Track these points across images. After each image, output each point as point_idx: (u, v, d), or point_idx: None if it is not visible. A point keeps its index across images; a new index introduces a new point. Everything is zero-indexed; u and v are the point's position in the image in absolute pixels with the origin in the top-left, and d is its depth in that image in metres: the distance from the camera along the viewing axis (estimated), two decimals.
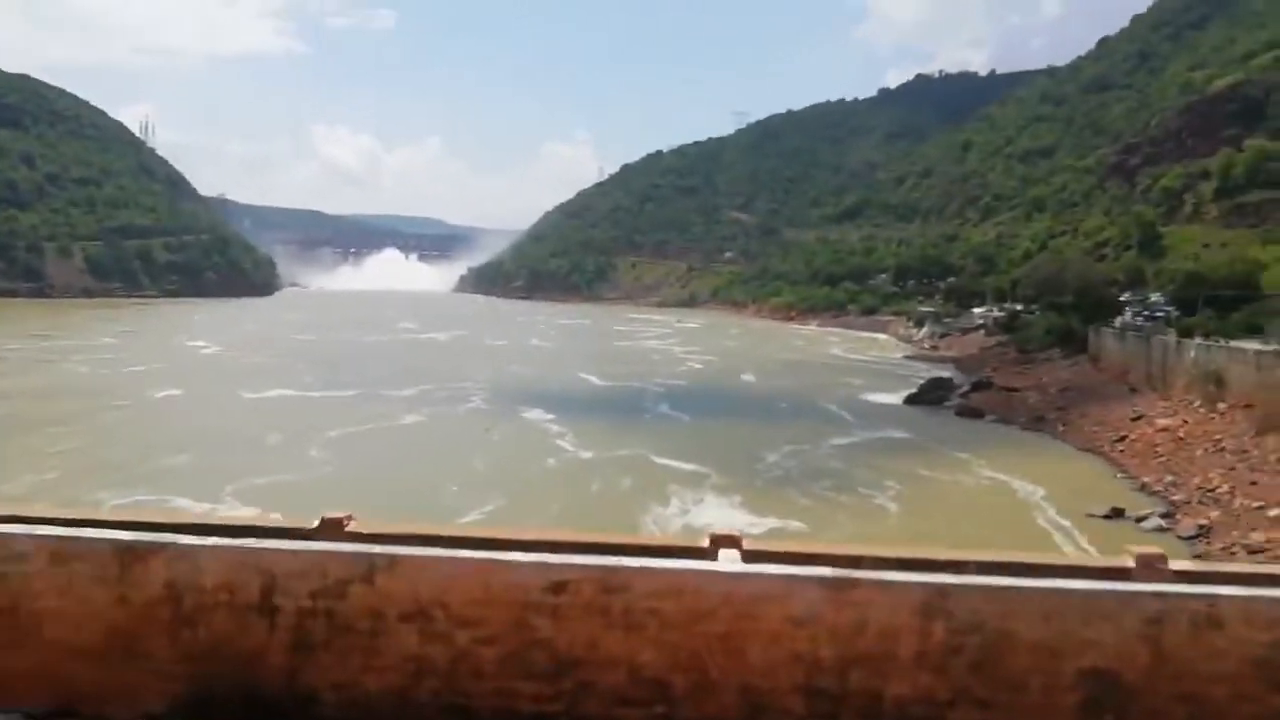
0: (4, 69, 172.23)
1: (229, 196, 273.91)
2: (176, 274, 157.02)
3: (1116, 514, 24.46)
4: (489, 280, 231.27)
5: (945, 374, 60.62)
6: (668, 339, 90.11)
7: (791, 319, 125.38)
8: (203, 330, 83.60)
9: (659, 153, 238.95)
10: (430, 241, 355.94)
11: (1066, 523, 23.74)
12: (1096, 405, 39.65)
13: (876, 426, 38.77)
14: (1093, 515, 24.27)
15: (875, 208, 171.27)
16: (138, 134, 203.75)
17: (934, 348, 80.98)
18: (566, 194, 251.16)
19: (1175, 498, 26.00)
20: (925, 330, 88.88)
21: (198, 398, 43.18)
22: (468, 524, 22.31)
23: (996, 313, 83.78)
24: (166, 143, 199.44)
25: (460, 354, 69.69)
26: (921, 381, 55.99)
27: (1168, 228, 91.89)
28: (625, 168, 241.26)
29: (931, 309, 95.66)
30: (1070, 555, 19.65)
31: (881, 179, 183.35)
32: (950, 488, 27.86)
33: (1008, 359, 63.05)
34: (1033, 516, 24.60)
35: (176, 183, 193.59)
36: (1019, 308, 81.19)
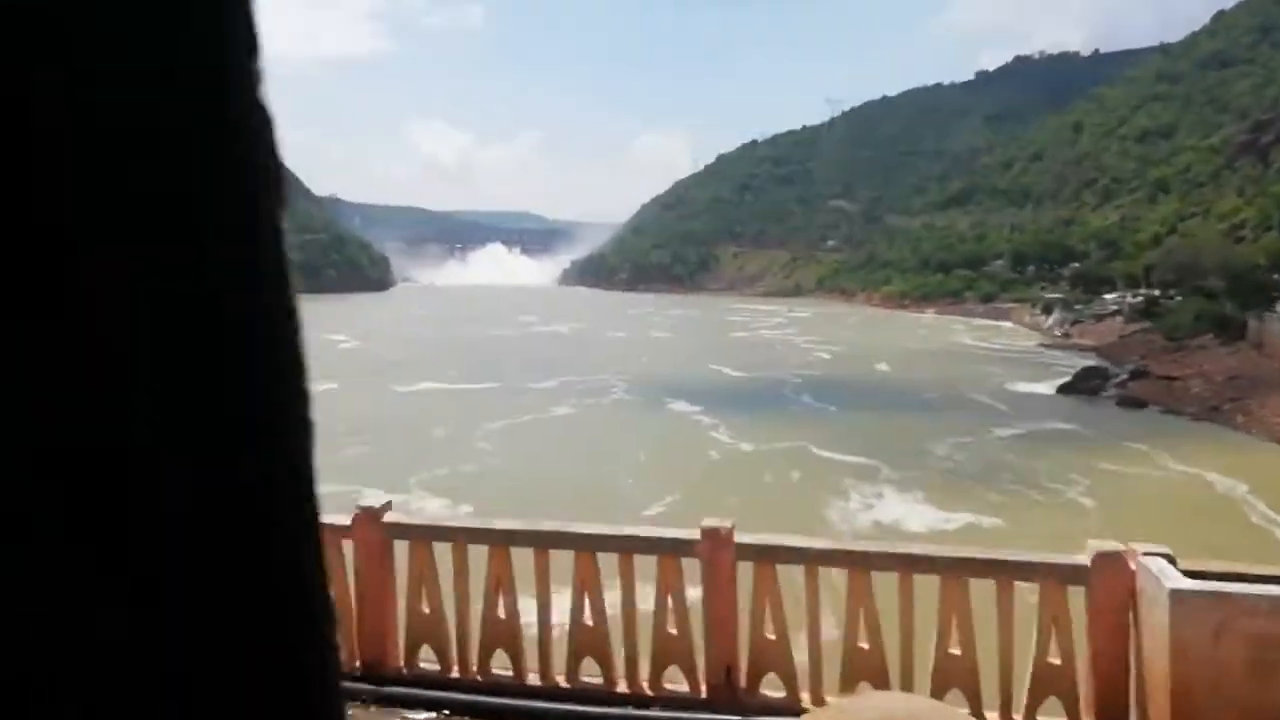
0: None
1: (339, 196, 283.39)
2: (297, 272, 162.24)
3: None
4: (592, 273, 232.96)
5: (1089, 362, 58.53)
6: (784, 329, 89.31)
7: (905, 307, 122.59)
8: (336, 325, 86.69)
9: (754, 142, 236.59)
10: (531, 236, 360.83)
11: None
12: (1275, 395, 37.56)
13: (1036, 417, 37.60)
14: None
15: (983, 193, 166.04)
16: None
17: (1066, 335, 78.05)
18: (662, 186, 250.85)
19: None
20: (1054, 317, 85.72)
21: (354, 391, 44.73)
22: (657, 517, 22.57)
23: (1131, 299, 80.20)
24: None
25: (586, 346, 70.48)
26: (1062, 370, 54.25)
27: None
28: (720, 158, 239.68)
29: (1059, 295, 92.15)
30: None
31: (987, 163, 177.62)
32: (1141, 482, 26.82)
33: (1154, 347, 60.16)
34: (1244, 513, 23.49)
35: (291, 183, 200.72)
36: (1155, 293, 77.61)
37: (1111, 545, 4.21)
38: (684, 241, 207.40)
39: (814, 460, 29.09)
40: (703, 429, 34.74)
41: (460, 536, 5.05)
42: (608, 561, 4.92)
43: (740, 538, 4.69)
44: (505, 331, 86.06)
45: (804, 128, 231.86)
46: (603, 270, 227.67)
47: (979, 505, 23.92)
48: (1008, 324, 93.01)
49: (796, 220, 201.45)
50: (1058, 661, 4.29)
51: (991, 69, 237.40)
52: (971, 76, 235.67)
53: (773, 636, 4.61)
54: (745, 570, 4.72)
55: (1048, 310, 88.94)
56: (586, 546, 4.80)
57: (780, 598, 4.55)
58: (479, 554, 5.05)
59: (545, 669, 5.03)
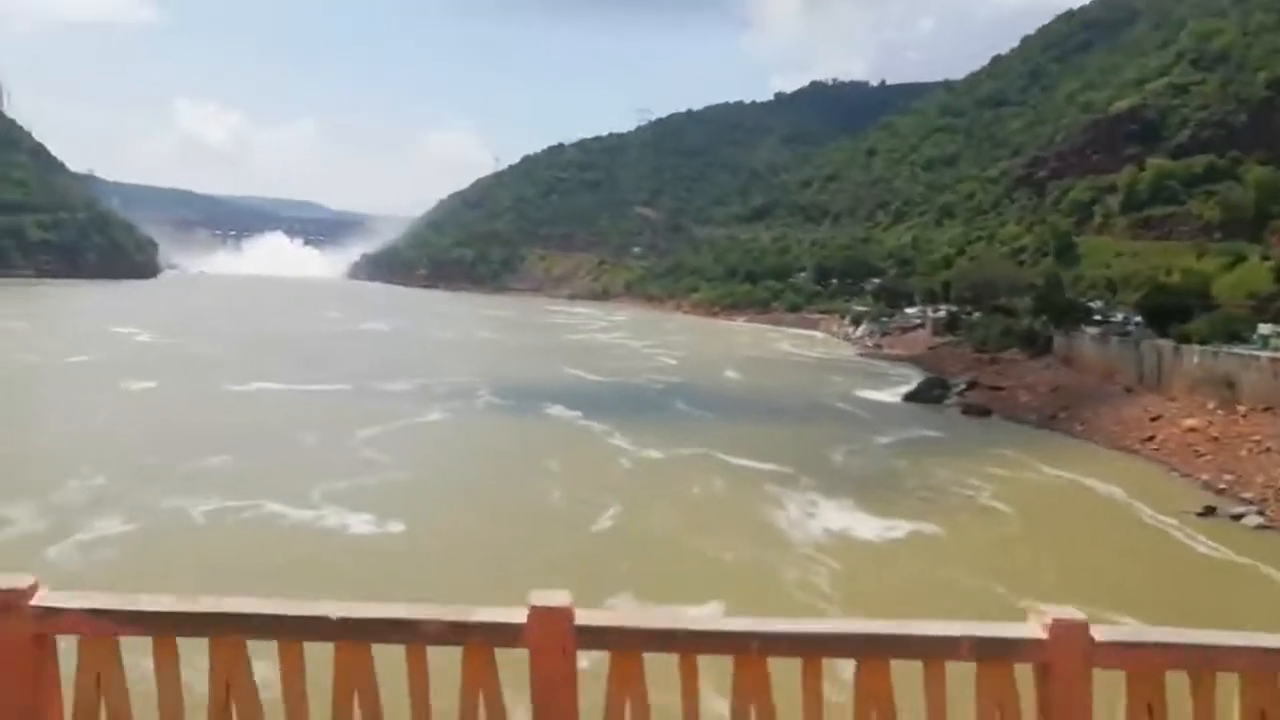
0: None
1: (95, 173, 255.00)
2: (52, 253, 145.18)
3: (1209, 512, 25.46)
4: (386, 268, 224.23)
5: (906, 370, 62.62)
6: (612, 332, 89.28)
7: (716, 314, 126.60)
8: (117, 315, 77.31)
9: (561, 145, 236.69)
10: (313, 226, 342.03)
11: (1173, 521, 24.51)
12: (1102, 405, 41.33)
13: (902, 425, 39.28)
14: (1186, 513, 25.15)
15: (784, 208, 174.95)
16: None
17: (877, 346, 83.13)
18: (450, 183, 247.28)
19: (1246, 495, 27.26)
20: (863, 328, 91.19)
21: (179, 391, 39.75)
22: (608, 539, 21.29)
23: (932, 313, 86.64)
24: (16, 111, 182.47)
25: (416, 345, 66.89)
26: (893, 378, 57.63)
27: (1080, 237, 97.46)
28: (526, 159, 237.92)
29: (864, 308, 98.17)
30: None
31: (787, 180, 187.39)
32: (1035, 488, 28.43)
33: (965, 358, 65.13)
34: (1137, 516, 25.30)
35: (41, 156, 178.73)
36: (954, 309, 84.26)
37: (1069, 612, 3.41)
38: (488, 240, 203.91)
39: (728, 468, 28.65)
40: (597, 435, 33.50)
41: (155, 625, 3.31)
42: (390, 655, 3.30)
43: (583, 617, 3.39)
44: (318, 327, 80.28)
45: (610, 134, 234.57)
46: (397, 265, 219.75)
47: (908, 511, 24.31)
48: (817, 333, 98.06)
49: (603, 225, 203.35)
50: None
51: (789, 92, 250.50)
52: (770, 98, 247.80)
53: None
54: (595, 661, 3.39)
55: (856, 321, 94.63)
56: (354, 636, 3.37)
57: (645, 696, 3.35)
58: (193, 647, 3.30)
59: None
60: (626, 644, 3.39)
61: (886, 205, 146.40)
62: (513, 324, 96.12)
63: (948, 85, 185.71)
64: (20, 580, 3.20)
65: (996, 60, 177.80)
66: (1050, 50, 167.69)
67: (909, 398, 47.38)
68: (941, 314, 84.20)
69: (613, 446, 31.32)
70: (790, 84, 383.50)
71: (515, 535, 20.15)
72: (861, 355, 76.70)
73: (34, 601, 3.18)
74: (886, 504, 25.06)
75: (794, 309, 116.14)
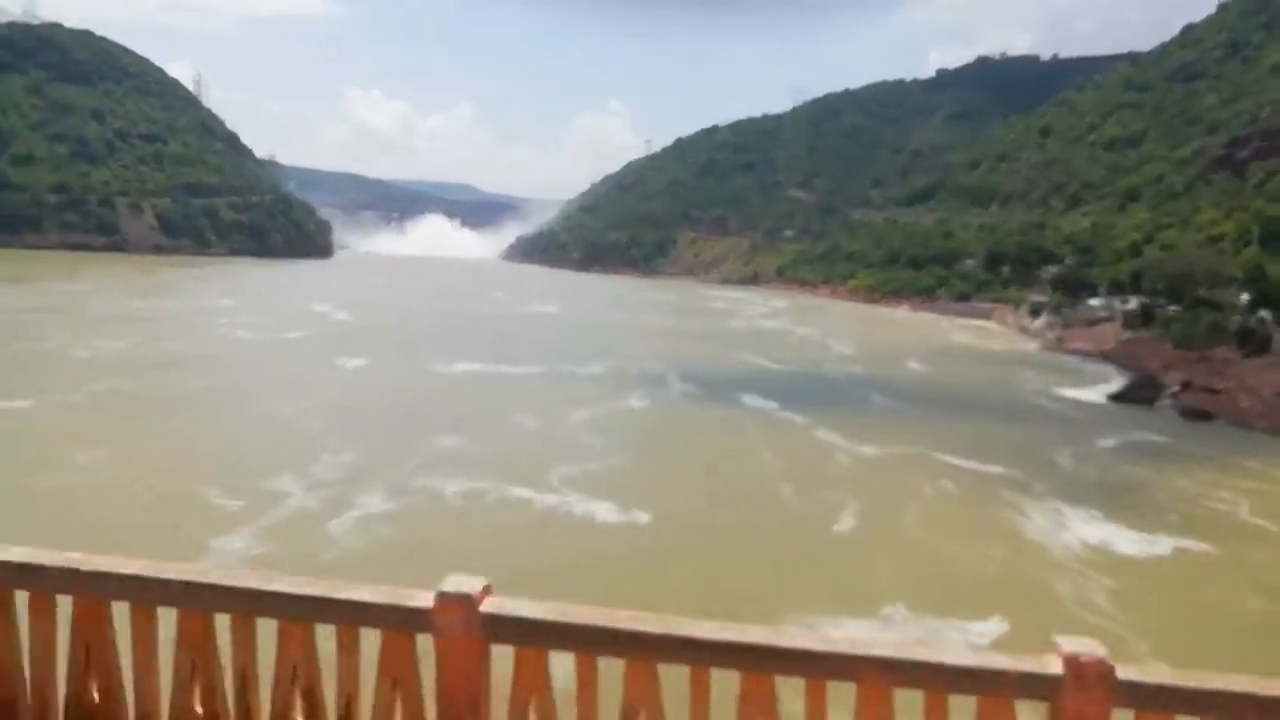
0: (66, 25, 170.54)
1: (276, 158, 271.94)
2: (242, 233, 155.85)
3: None
4: (540, 251, 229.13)
5: (1098, 366, 59.15)
6: (775, 319, 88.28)
7: (876, 301, 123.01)
8: (310, 294, 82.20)
9: (715, 127, 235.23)
10: (470, 209, 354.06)
11: None
12: None
13: (1119, 427, 36.95)
14: None
15: (948, 191, 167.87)
16: (191, 91, 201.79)
17: (1059, 339, 78.68)
18: (602, 166, 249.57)
19: None
20: (1042, 320, 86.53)
21: (390, 370, 41.74)
22: (860, 543, 20.85)
23: (1121, 305, 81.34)
24: (212, 102, 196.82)
25: (591, 329, 68.06)
26: (1089, 375, 54.63)
27: None
28: (679, 141, 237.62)
29: (1042, 299, 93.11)
30: None
31: (952, 161, 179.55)
32: None
33: (1165, 355, 60.71)
34: None
35: (233, 143, 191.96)
36: (1148, 301, 78.83)
37: (1089, 645, 2.94)
38: (641, 224, 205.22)
39: (952, 469, 27.61)
40: (802, 428, 33.02)
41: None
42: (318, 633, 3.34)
43: (491, 605, 3.17)
44: (492, 309, 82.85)
45: (765, 115, 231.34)
46: (552, 248, 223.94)
47: (1165, 526, 22.79)
48: (990, 324, 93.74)
49: (755, 208, 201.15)
50: None
51: (952, 68, 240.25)
52: (932, 74, 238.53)
53: None
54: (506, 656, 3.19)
55: (1035, 313, 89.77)
56: (253, 610, 3.26)
57: (549, 695, 3.18)
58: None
59: None
60: (535, 638, 3.19)
61: (1062, 188, 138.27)
62: (674, 308, 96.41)
63: (1133, 58, 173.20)
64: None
65: (1188, 30, 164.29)
66: (1253, 18, 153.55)
67: (1116, 398, 44.59)
68: (1132, 306, 78.85)
69: (824, 441, 30.78)
70: (951, 60, 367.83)
71: (765, 534, 20.03)
72: (1045, 350, 72.92)
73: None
74: (1137, 516, 23.54)
75: (961, 297, 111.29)
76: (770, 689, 3.02)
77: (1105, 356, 66.20)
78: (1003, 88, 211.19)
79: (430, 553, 17.42)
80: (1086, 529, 22.15)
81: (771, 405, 37.37)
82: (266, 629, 3.27)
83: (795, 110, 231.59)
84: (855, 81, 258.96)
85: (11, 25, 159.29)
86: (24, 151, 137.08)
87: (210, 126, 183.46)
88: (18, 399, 29.39)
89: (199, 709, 3.40)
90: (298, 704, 3.39)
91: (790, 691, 2.98)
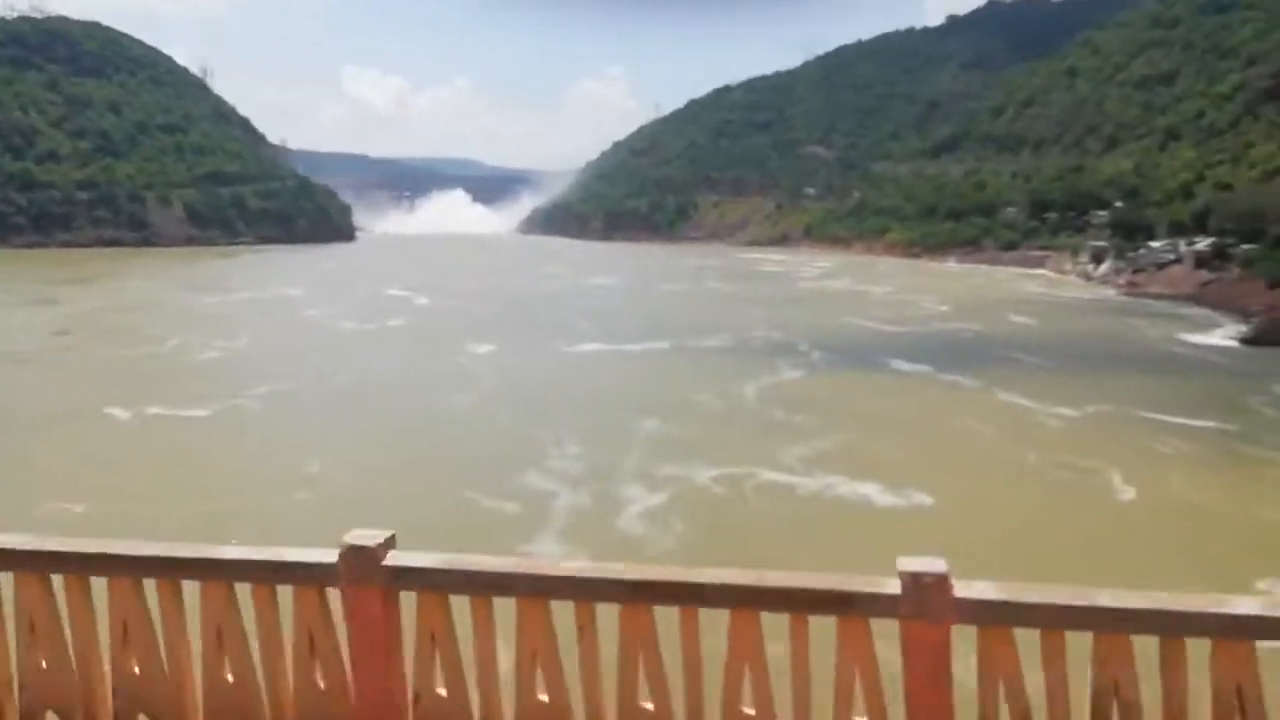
0: (72, 16, 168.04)
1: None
2: (269, 221, 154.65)
3: None
4: (558, 222, 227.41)
5: (1194, 310, 58.57)
6: (835, 279, 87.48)
7: (917, 255, 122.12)
8: (368, 279, 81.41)
9: (727, 87, 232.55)
10: (478, 184, 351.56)
11: None
12: None
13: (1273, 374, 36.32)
14: None
15: (974, 139, 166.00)
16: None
17: (1131, 284, 77.90)
18: (607, 133, 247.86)
19: None
20: (1106, 266, 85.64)
21: (523, 354, 41.03)
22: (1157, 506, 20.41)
23: (1185, 246, 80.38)
24: (218, 89, 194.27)
25: (667, 300, 67.32)
26: (1191, 319, 54.24)
27: None
28: (692, 103, 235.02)
29: (1101, 243, 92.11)
30: None
31: (974, 109, 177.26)
32: None
33: (1260, 294, 60.04)
34: None
35: (248, 129, 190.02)
36: (1216, 241, 77.93)
37: (929, 563, 3.07)
38: (661, 189, 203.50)
39: (1168, 428, 26.93)
40: (978, 393, 32.43)
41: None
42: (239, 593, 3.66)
43: (394, 557, 3.47)
44: (550, 285, 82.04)
45: (777, 72, 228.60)
46: (570, 219, 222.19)
47: None
48: (1047, 272, 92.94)
49: (774, 167, 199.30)
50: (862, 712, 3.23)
51: (962, 14, 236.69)
52: (943, 20, 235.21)
53: (443, 692, 3.53)
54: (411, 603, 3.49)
55: (1097, 259, 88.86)
56: (195, 574, 3.61)
57: (452, 638, 3.48)
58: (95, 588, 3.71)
59: None
60: (438, 585, 3.42)
61: (1096, 130, 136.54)
62: (728, 273, 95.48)
63: None
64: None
65: None
66: None
67: (1250, 341, 43.98)
68: (1201, 247, 77.91)
69: (1015, 405, 30.18)
70: (960, 5, 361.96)
71: (1066, 508, 19.57)
72: (1124, 295, 72.13)
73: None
74: None
75: (1010, 247, 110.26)
76: (650, 620, 3.30)
77: (1192, 299, 65.53)
78: (1015, 31, 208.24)
79: (763, 547, 16.95)
80: None
81: (924, 368, 36.82)
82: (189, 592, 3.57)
83: (807, 65, 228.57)
84: (866, 32, 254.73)
85: (21, 20, 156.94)
86: (47, 149, 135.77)
87: (224, 113, 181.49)
88: (194, 408, 28.88)
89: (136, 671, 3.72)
90: (227, 666, 3.63)
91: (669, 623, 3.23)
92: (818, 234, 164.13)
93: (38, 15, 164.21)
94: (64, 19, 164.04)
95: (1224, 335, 46.44)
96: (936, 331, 48.40)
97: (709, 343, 44.09)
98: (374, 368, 37.31)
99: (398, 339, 45.93)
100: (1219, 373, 36.70)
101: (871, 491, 20.68)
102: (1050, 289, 77.07)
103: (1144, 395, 30.92)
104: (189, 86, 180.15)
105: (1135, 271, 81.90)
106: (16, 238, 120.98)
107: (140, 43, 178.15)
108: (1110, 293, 74.09)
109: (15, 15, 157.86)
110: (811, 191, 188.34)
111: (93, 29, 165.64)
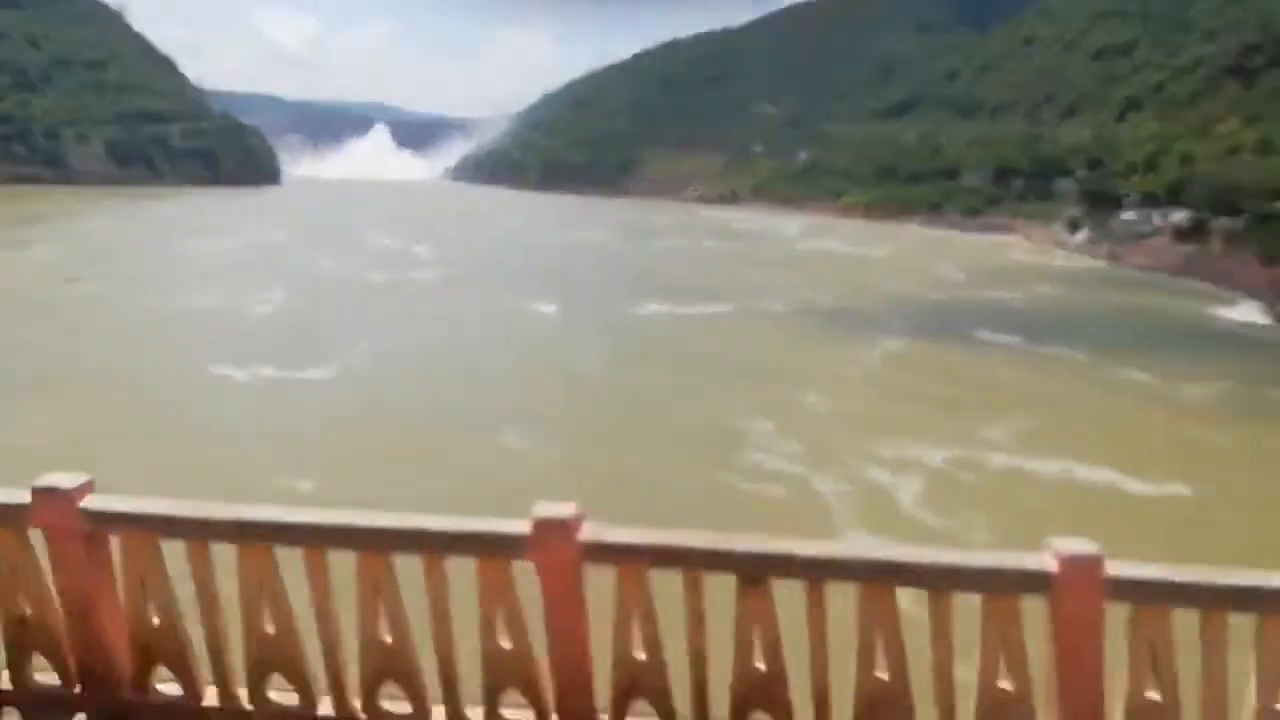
0: None
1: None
2: (195, 161, 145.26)
3: None
4: (488, 170, 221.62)
5: (1194, 284, 60.09)
6: (819, 239, 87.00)
7: (875, 218, 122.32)
8: (343, 226, 77.03)
9: (674, 41, 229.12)
10: (401, 129, 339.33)
11: None
12: None
13: None
14: None
15: (929, 102, 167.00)
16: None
17: (1113, 255, 79.75)
18: (537, 83, 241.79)
19: None
20: (1083, 235, 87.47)
21: (593, 316, 38.83)
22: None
23: (1160, 218, 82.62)
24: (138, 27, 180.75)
25: (670, 259, 65.24)
26: (1199, 293, 55.51)
27: None
28: (639, 55, 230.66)
29: (1074, 212, 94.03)
30: None
31: (929, 73, 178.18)
32: None
33: (1253, 269, 61.99)
34: None
35: (170, 68, 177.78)
36: (1187, 213, 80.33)
37: (1081, 545, 3.28)
38: (603, 143, 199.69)
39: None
40: (1091, 369, 32.03)
41: (194, 531, 3.67)
42: (409, 565, 3.68)
43: (589, 532, 3.54)
44: (536, 238, 79.16)
45: (724, 29, 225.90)
46: (504, 167, 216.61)
47: None
48: (1016, 239, 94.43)
49: (721, 124, 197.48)
50: (1008, 686, 3.37)
51: None
52: None
53: (643, 657, 3.63)
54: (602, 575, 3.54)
55: (1073, 227, 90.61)
56: (375, 545, 3.66)
57: (653, 610, 3.57)
58: (226, 553, 3.70)
59: (339, 696, 3.90)
60: (633, 559, 3.48)
61: (1054, 98, 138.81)
62: (710, 232, 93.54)
63: None
64: (71, 480, 3.46)
65: None
66: None
67: None
68: (1180, 219, 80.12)
69: (1140, 383, 29.84)
70: None
71: None
72: (1112, 267, 73.63)
73: (84, 503, 3.46)
74: None
75: (973, 212, 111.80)
76: (822, 597, 3.43)
77: (1182, 272, 67.33)
78: None
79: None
80: None
81: (1015, 340, 36.37)
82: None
83: (755, 23, 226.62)
84: None
85: None
86: None
87: (148, 51, 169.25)
88: (307, 369, 26.18)
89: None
90: (384, 629, 3.71)
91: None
92: (765, 193, 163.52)
93: None
94: None
95: (1250, 312, 47.45)
96: (983, 300, 48.14)
97: (771, 306, 42.85)
98: (455, 325, 34.80)
99: (444, 293, 43.19)
100: (1273, 350, 37.30)
101: (1115, 478, 19.86)
102: (1039, 258, 78.32)
103: (1246, 374, 31.08)
104: (110, 23, 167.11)
105: (1116, 243, 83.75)
106: None
107: None
108: (1099, 264, 75.55)
109: None
110: (759, 149, 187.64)
111: None
